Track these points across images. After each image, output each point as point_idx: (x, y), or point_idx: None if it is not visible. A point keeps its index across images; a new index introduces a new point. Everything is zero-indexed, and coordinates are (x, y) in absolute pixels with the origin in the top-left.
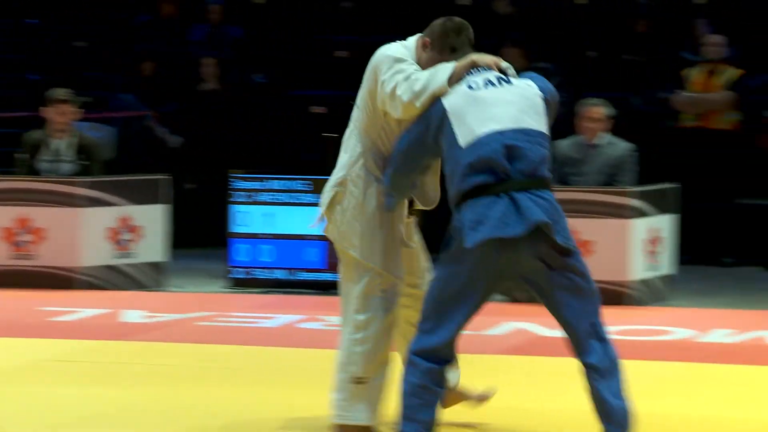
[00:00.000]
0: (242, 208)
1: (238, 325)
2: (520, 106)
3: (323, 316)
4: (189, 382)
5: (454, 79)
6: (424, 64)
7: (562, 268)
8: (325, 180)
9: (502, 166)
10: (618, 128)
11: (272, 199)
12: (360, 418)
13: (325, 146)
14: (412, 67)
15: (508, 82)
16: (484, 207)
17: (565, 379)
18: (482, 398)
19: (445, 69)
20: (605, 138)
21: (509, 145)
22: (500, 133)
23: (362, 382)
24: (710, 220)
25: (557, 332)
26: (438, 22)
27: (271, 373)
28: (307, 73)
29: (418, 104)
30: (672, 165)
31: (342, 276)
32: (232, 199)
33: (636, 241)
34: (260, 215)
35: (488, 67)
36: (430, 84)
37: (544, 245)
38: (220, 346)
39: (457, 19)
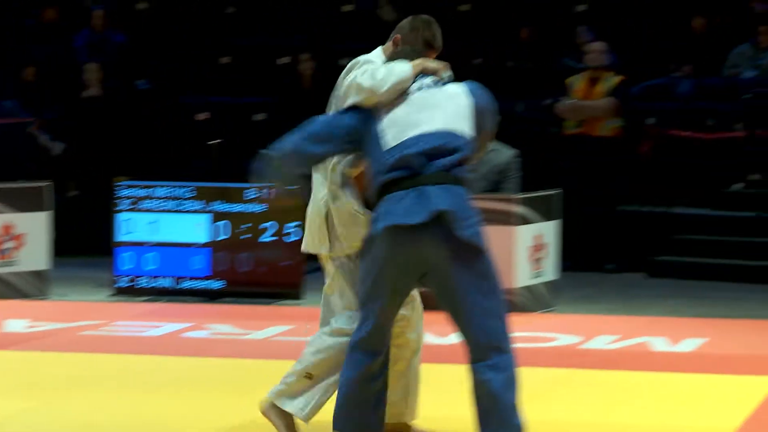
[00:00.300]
0: (127, 215)
1: (123, 334)
2: (447, 111)
3: (209, 325)
4: (72, 392)
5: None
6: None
7: (467, 265)
8: (211, 187)
9: (417, 163)
10: (502, 135)
11: (157, 206)
12: (290, 406)
13: (211, 152)
14: (379, 64)
15: (441, 87)
16: (394, 200)
17: (458, 386)
18: None
19: (404, 63)
20: (490, 144)
21: (428, 146)
22: (422, 136)
23: (310, 378)
24: (592, 226)
25: (448, 340)
26: (406, 20)
27: (156, 382)
28: (192, 79)
29: (381, 90)
30: (555, 171)
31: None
32: (116, 207)
33: (521, 248)
34: (145, 223)
35: (431, 73)
36: (393, 72)
37: (450, 239)
38: (104, 355)
39: (423, 15)
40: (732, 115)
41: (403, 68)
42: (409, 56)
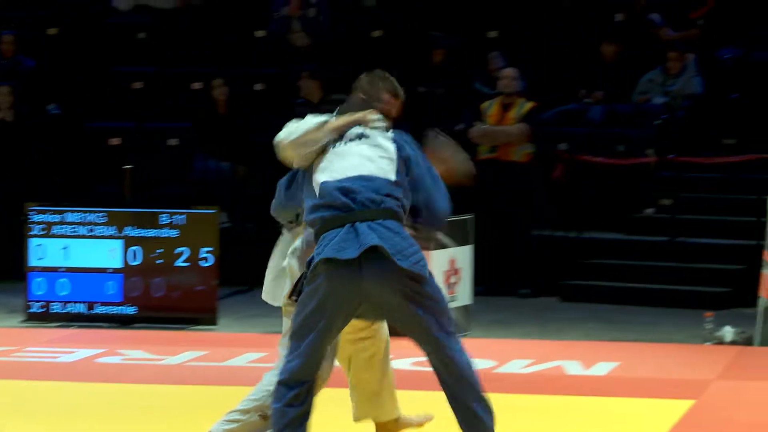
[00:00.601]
0: (38, 241)
1: (35, 360)
2: (368, 157)
3: (122, 350)
4: None
5: (336, 131)
6: None
7: (415, 292)
8: (123, 212)
9: (341, 202)
10: None
11: (69, 232)
12: None
13: (123, 178)
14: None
15: (368, 137)
16: (329, 237)
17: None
18: (422, 421)
19: (315, 117)
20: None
21: (344, 187)
22: (340, 180)
23: (265, 419)
24: (506, 251)
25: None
26: (363, 77)
27: (69, 408)
28: (103, 105)
29: (286, 142)
30: (469, 196)
31: None
32: (28, 232)
33: (435, 273)
34: (57, 248)
35: (362, 123)
36: (299, 126)
37: (389, 271)
38: (17, 381)
39: (377, 70)
40: (643, 140)
41: (311, 121)
42: (354, 109)
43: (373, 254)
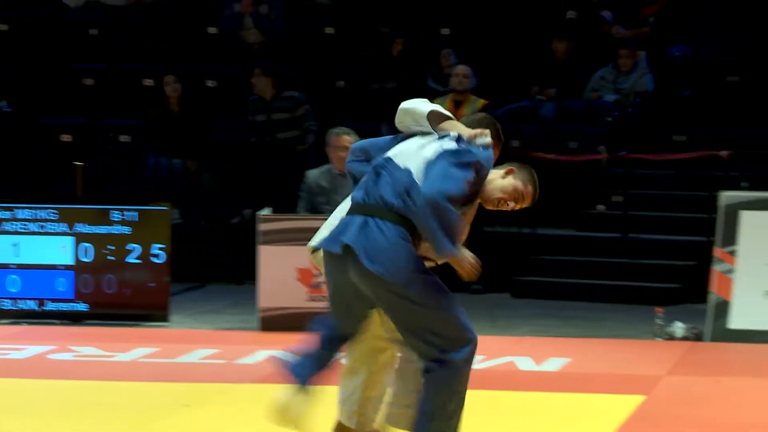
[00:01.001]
0: None
1: None
2: (414, 155)
3: (74, 347)
4: None
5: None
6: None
7: (387, 296)
8: (74, 209)
9: (364, 191)
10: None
11: (20, 228)
12: None
13: (74, 174)
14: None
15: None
16: (341, 222)
17: (318, 406)
18: None
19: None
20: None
21: (388, 179)
22: (391, 168)
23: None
24: None
25: None
26: (470, 118)
27: (20, 405)
28: (55, 101)
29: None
30: None
31: None
32: None
33: None
34: (7, 245)
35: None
36: (428, 106)
37: (364, 271)
38: None
39: (484, 114)
40: (594, 137)
41: (426, 104)
42: (473, 126)
43: (354, 251)
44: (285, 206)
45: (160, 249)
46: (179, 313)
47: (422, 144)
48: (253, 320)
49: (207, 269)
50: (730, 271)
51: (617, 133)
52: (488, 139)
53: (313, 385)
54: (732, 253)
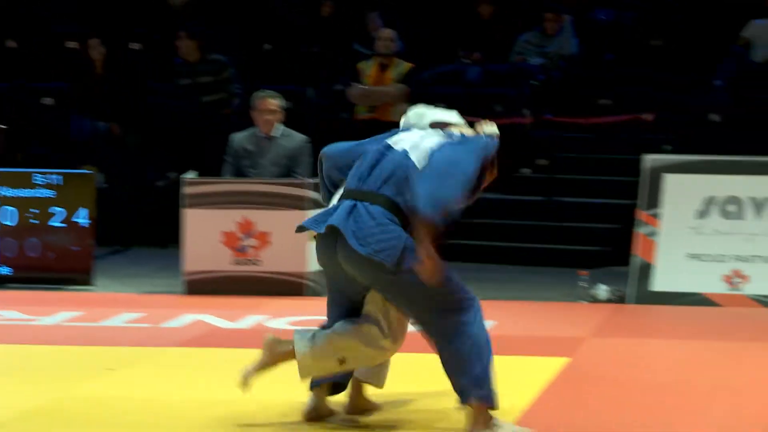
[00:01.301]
0: None
1: None
2: (414, 145)
3: None
4: None
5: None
6: None
7: (375, 279)
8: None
9: (358, 179)
10: (293, 120)
11: None
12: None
13: None
14: None
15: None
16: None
17: (242, 370)
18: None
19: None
20: (280, 130)
21: (386, 164)
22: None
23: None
24: None
25: (233, 324)
26: None
27: None
28: None
29: None
30: None
31: None
32: None
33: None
34: None
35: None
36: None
37: (351, 254)
38: None
39: None
40: (519, 100)
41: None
42: None
43: (341, 234)
44: (210, 170)
45: (84, 212)
46: (104, 276)
47: (424, 135)
48: (178, 284)
49: (132, 233)
50: (653, 234)
51: (542, 96)
52: (495, 129)
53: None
54: (655, 215)
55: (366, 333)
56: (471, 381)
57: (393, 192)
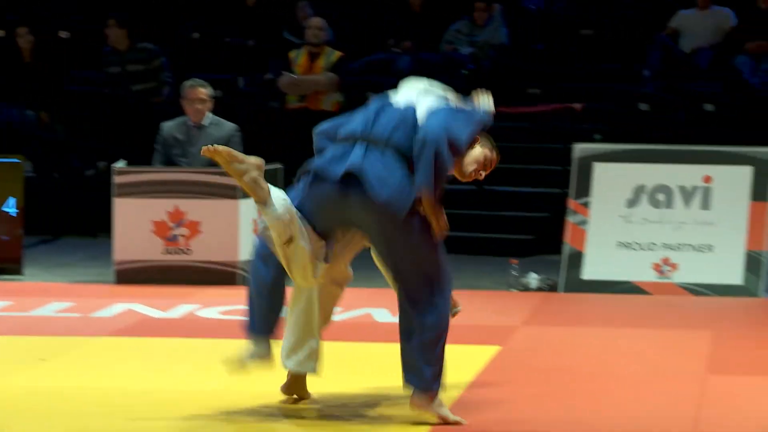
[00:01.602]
0: None
1: None
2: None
3: None
4: None
5: None
6: None
7: (390, 227)
8: None
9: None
10: (224, 109)
11: None
12: None
13: None
14: None
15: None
16: (335, 147)
17: (173, 359)
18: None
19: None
20: (210, 118)
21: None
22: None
23: None
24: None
25: (164, 314)
26: None
27: None
28: None
29: None
30: (277, 146)
31: None
32: None
33: (244, 222)
34: None
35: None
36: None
37: (367, 199)
38: None
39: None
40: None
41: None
42: None
43: (355, 178)
44: (140, 159)
45: (13, 201)
46: (33, 266)
47: (425, 92)
48: (109, 273)
49: (61, 222)
50: (583, 223)
51: (473, 86)
52: (491, 105)
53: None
54: (585, 204)
55: (313, 250)
56: (428, 365)
57: (402, 139)
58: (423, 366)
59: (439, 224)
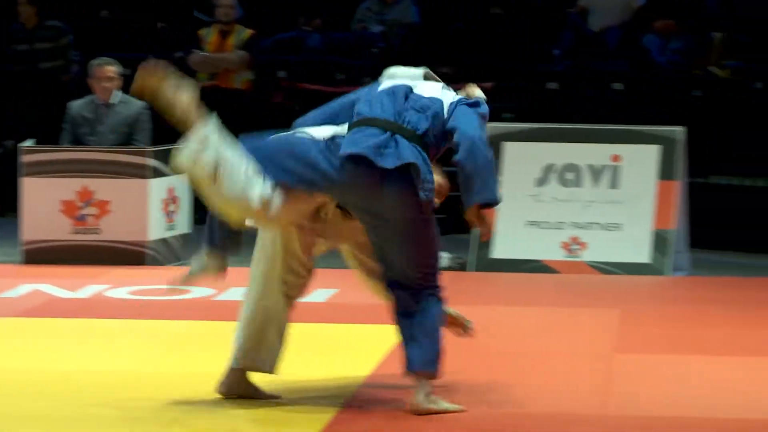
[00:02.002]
0: None
1: None
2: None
3: None
4: None
5: None
6: None
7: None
8: None
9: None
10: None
11: None
12: None
13: None
14: None
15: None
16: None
17: (82, 339)
18: None
19: None
20: (119, 97)
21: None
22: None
23: None
24: None
25: (73, 294)
26: None
27: None
28: None
29: None
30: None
31: None
32: None
33: (154, 201)
34: None
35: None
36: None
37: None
38: None
39: None
40: (360, 69)
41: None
42: None
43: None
44: (48, 138)
45: None
46: None
47: (436, 87)
48: (16, 253)
49: None
50: None
51: (383, 64)
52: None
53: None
54: None
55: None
56: (425, 353)
57: (431, 137)
58: (428, 344)
59: (489, 226)
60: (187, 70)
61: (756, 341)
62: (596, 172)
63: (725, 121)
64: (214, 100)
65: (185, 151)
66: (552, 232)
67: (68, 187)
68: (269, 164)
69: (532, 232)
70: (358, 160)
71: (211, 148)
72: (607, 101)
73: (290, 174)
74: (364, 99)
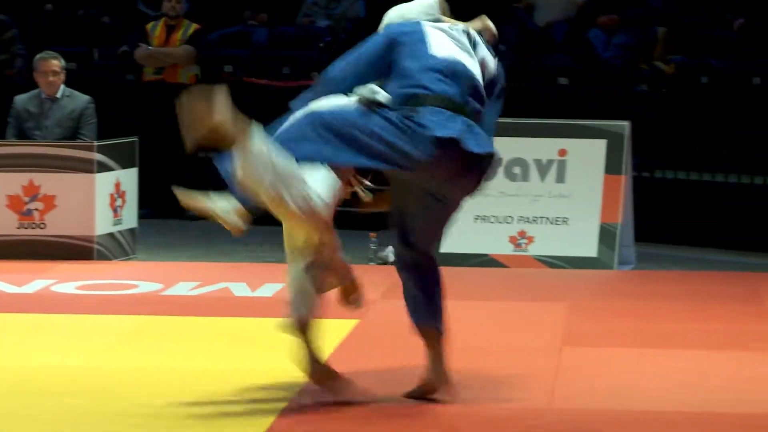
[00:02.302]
0: None
1: None
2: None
3: None
4: None
5: None
6: None
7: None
8: None
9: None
10: (78, 82)
11: None
12: None
13: None
14: None
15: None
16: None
17: (28, 335)
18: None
19: None
20: (63, 90)
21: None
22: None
23: None
24: (172, 173)
25: (19, 289)
26: None
27: None
28: None
29: None
30: (134, 118)
31: None
32: None
33: (100, 196)
34: None
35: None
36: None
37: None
38: None
39: None
40: (307, 63)
41: None
42: None
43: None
44: None
45: None
46: None
47: (464, 44)
48: None
49: None
50: None
51: (330, 59)
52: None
53: None
54: None
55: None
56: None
57: (478, 108)
58: (440, 308)
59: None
60: (133, 64)
61: (702, 334)
62: (543, 167)
63: (670, 115)
64: (159, 95)
65: (240, 171)
66: (499, 226)
67: (14, 181)
68: (330, 145)
69: (480, 226)
70: (445, 143)
71: (267, 167)
72: (553, 96)
73: (363, 153)
74: (413, 57)
